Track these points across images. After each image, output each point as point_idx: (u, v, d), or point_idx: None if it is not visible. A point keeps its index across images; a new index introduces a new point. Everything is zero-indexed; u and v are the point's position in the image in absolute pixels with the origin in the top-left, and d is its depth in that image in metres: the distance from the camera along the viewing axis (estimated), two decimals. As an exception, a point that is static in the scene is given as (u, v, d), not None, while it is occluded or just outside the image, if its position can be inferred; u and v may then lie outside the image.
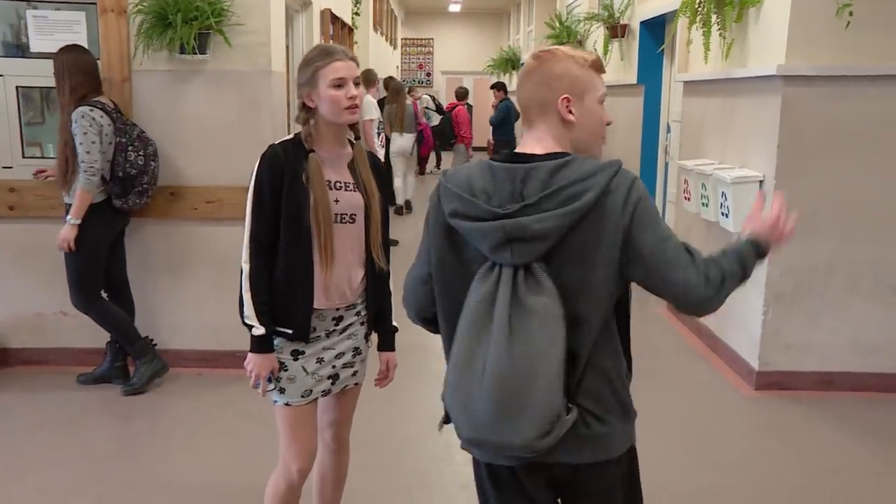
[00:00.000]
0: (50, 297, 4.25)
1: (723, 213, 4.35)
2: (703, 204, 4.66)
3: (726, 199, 4.27)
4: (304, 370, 2.24)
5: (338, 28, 6.58)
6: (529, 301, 1.47)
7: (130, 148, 3.82)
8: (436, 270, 1.64)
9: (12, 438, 3.60)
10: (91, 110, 3.70)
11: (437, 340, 1.73)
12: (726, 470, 3.36)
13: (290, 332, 2.20)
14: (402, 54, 19.94)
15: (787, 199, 1.73)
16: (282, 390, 2.24)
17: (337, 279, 2.21)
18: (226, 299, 4.33)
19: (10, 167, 4.29)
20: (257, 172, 2.16)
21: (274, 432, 2.29)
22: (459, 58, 20.84)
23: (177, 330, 4.36)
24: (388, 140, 8.39)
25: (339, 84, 2.11)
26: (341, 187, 2.20)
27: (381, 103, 7.91)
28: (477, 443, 1.56)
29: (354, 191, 2.22)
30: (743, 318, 4.36)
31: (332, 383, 2.31)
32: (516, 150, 1.62)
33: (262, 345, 2.17)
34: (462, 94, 10.88)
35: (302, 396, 2.26)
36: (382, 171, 2.36)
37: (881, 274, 4.10)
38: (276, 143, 2.21)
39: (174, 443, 3.56)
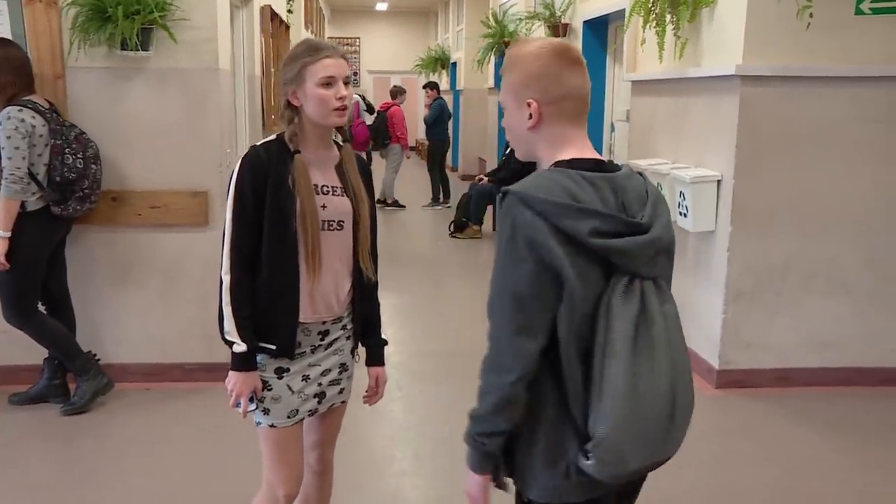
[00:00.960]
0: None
1: (681, 213, 4.36)
2: (658, 203, 4.66)
3: (685, 198, 4.29)
4: (290, 389, 2.09)
5: (276, 25, 6.37)
6: (667, 310, 1.47)
7: (68, 150, 3.54)
8: (567, 306, 1.40)
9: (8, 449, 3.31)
10: (20, 111, 3.40)
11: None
12: (698, 472, 3.34)
13: (273, 347, 2.05)
14: (328, 53, 19.66)
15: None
16: (266, 411, 2.09)
17: (324, 290, 2.08)
18: (173, 310, 4.14)
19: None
20: (238, 175, 2.00)
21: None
22: (386, 57, 20.69)
23: (121, 343, 4.09)
24: None
25: (328, 83, 1.97)
26: (329, 192, 2.06)
27: None
28: (638, 471, 1.47)
29: (342, 196, 2.09)
30: (702, 317, 4.39)
31: (319, 402, 2.17)
32: (577, 157, 1.51)
33: (244, 362, 2.02)
34: (396, 93, 10.72)
35: (288, 417, 2.11)
36: (370, 175, 2.24)
37: (834, 271, 4.19)
38: (258, 143, 2.06)
39: (124, 465, 3.31)
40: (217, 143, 4.01)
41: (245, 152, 2.04)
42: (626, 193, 1.49)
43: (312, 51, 1.98)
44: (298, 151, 2.01)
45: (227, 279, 2.00)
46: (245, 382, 2.02)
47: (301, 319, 2.06)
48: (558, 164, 1.50)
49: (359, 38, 21.03)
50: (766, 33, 3.92)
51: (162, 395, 4.00)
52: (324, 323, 2.12)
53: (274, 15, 6.15)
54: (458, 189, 10.66)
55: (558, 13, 7.08)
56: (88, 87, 3.87)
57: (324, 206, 2.04)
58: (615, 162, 1.58)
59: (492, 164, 10.86)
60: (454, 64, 15.45)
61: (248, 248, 2.00)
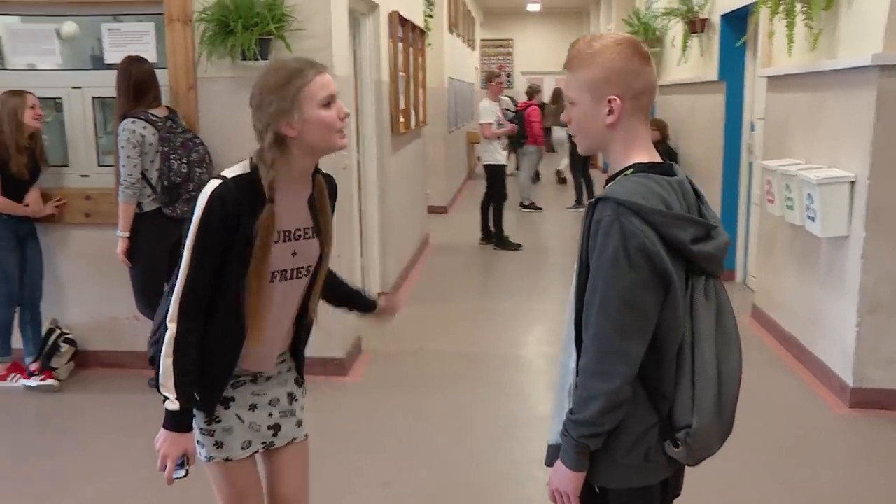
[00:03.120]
0: (124, 302, 4.30)
1: (809, 217, 4.05)
2: (787, 206, 4.36)
3: (813, 201, 3.98)
4: (240, 419, 1.94)
5: (407, 30, 6.52)
6: (728, 302, 1.58)
7: (173, 156, 3.85)
8: (670, 309, 1.48)
9: (82, 440, 3.67)
10: (133, 122, 3.75)
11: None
12: (826, 500, 3.09)
13: (196, 398, 1.84)
14: (481, 55, 19.84)
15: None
16: (218, 444, 1.92)
17: (266, 348, 1.91)
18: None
19: (87, 175, 4.40)
20: (206, 209, 1.75)
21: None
22: (539, 58, 20.58)
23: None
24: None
25: (329, 102, 1.77)
26: (300, 236, 1.86)
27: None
28: (710, 452, 1.57)
29: (312, 237, 1.88)
30: (833, 328, 4.05)
31: (274, 434, 2.00)
32: (654, 161, 1.58)
33: (177, 422, 1.80)
34: (533, 92, 10.62)
35: (242, 448, 1.94)
36: (336, 195, 2.00)
37: None
38: (228, 177, 1.79)
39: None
40: (331, 147, 4.17)
41: (214, 185, 1.77)
42: (688, 196, 1.57)
43: (301, 71, 1.76)
44: (272, 200, 1.77)
45: (172, 328, 1.77)
46: (175, 444, 1.81)
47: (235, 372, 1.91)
48: (639, 166, 1.54)
49: (512, 39, 21.07)
50: (907, 19, 3.56)
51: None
52: None
53: (404, 20, 6.30)
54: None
55: (696, 8, 6.77)
56: (215, 96, 4.16)
57: (294, 254, 1.85)
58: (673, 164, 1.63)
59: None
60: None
61: (204, 294, 1.78)
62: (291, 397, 2.05)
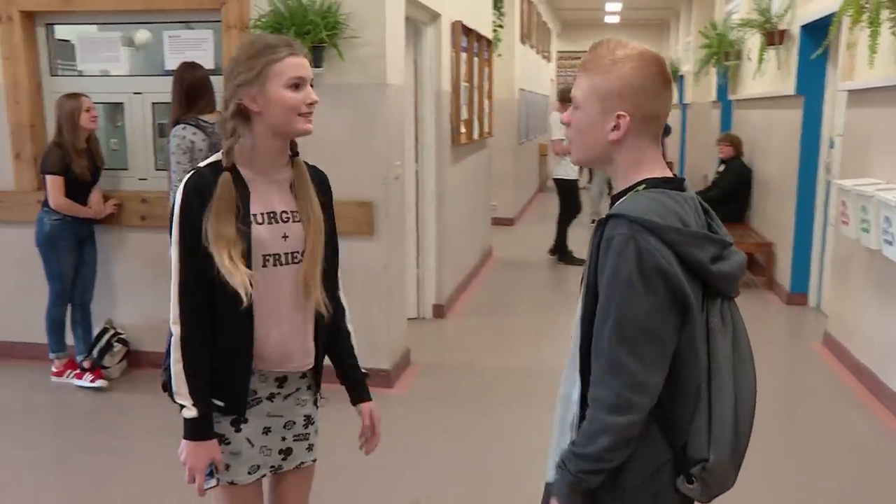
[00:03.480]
0: (176, 305, 4.36)
1: (886, 241, 3.78)
2: (863, 229, 4.09)
3: (891, 224, 3.71)
4: (250, 442, 1.84)
5: (472, 40, 6.45)
6: (742, 323, 1.48)
7: None
8: (688, 334, 1.38)
9: (125, 439, 3.71)
10: (183, 129, 3.76)
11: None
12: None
13: (221, 404, 1.79)
14: (557, 67, 19.66)
15: None
16: (226, 467, 1.84)
17: (281, 339, 1.80)
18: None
19: (145, 179, 4.49)
20: (182, 206, 1.71)
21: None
22: (617, 70, 20.24)
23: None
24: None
25: (297, 84, 1.72)
26: (288, 219, 1.79)
27: None
28: (726, 487, 1.46)
29: (298, 221, 1.81)
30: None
31: (284, 458, 1.91)
32: (666, 176, 1.46)
33: (197, 430, 1.74)
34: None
35: (249, 473, 1.85)
36: (329, 189, 1.93)
37: None
38: (202, 165, 1.78)
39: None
40: (382, 155, 4.14)
41: (187, 177, 1.75)
42: (699, 213, 1.47)
43: (274, 47, 1.71)
44: (230, 169, 1.72)
45: (176, 330, 1.73)
46: (200, 454, 1.75)
47: (256, 367, 1.81)
48: (651, 182, 1.43)
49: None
50: None
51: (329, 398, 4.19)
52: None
53: (468, 30, 6.23)
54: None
55: (774, 18, 6.47)
56: (270, 103, 4.17)
57: (285, 237, 1.78)
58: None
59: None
60: (682, 77, 14.75)
61: (201, 291, 1.71)
62: (308, 420, 1.95)
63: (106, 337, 4.35)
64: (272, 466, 1.91)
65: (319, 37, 3.81)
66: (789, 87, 6.21)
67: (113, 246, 4.49)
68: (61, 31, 4.53)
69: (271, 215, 1.78)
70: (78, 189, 4.17)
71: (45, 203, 4.14)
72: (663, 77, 1.43)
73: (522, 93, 10.64)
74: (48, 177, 4.08)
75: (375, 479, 3.30)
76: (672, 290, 1.33)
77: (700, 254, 1.36)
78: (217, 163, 1.76)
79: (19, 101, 4.41)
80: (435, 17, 5.39)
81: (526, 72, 11.03)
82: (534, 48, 12.28)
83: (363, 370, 2.03)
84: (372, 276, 4.24)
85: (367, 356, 4.14)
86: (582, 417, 1.41)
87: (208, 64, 4.15)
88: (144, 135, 4.44)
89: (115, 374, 4.36)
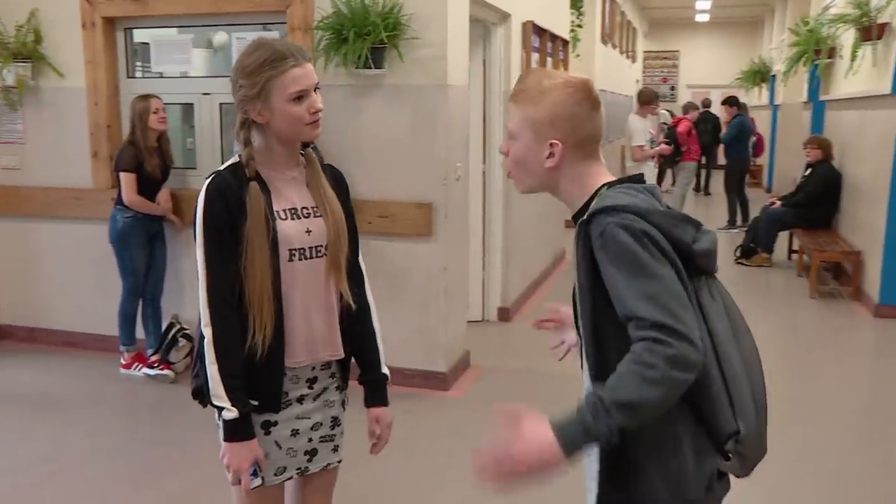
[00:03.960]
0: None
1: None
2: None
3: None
4: (278, 445, 1.86)
5: (545, 40, 6.34)
6: (727, 295, 1.50)
7: None
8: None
9: (183, 432, 3.80)
10: None
11: None
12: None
13: (255, 402, 1.80)
14: (643, 68, 19.22)
15: None
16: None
17: (307, 332, 1.83)
18: (396, 316, 4.30)
19: (214, 178, 4.59)
20: (206, 209, 1.74)
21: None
22: (707, 70, 19.64)
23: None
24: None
25: (300, 97, 1.73)
26: (309, 214, 1.83)
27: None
28: (761, 455, 1.46)
29: (320, 216, 1.84)
30: None
31: (310, 460, 1.93)
32: (619, 178, 1.52)
33: (237, 430, 1.75)
34: (688, 108, 10.16)
35: (275, 475, 1.87)
36: (345, 185, 1.97)
37: None
38: (222, 168, 1.80)
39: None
40: (442, 156, 4.11)
41: (209, 180, 1.77)
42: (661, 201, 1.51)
43: (275, 60, 1.71)
44: (254, 178, 1.76)
45: (208, 333, 1.74)
46: (242, 454, 1.76)
47: (288, 364, 1.83)
48: (611, 183, 1.48)
49: (678, 51, 20.26)
50: None
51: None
52: (312, 369, 1.88)
53: (541, 30, 6.14)
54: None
55: (874, 12, 6.10)
56: (332, 103, 4.16)
57: (308, 231, 1.82)
58: None
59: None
60: (773, 77, 14.17)
61: (229, 292, 1.74)
62: (335, 422, 1.96)
63: (172, 332, 4.48)
64: (298, 468, 1.92)
65: (380, 38, 3.81)
66: (885, 85, 5.85)
67: (181, 243, 4.62)
68: (139, 35, 4.70)
69: (293, 211, 1.81)
70: (148, 187, 4.31)
71: (119, 201, 4.30)
72: (591, 101, 1.47)
73: (603, 94, 10.42)
74: (122, 174, 4.24)
75: (424, 481, 3.28)
76: (672, 262, 1.36)
77: (682, 234, 1.40)
78: (235, 165, 1.79)
79: (98, 102, 4.59)
80: (505, 17, 5.33)
81: (607, 72, 10.82)
82: (616, 48, 12.04)
83: (384, 373, 2.01)
84: (430, 277, 4.21)
85: (423, 358, 4.22)
86: None
87: (274, 65, 4.22)
88: (213, 134, 4.55)
89: (181, 368, 4.48)
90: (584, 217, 1.40)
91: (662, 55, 20.21)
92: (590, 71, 9.53)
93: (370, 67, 3.92)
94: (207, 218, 1.73)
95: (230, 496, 1.92)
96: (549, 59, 6.60)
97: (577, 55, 8.68)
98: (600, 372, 1.38)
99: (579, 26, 8.70)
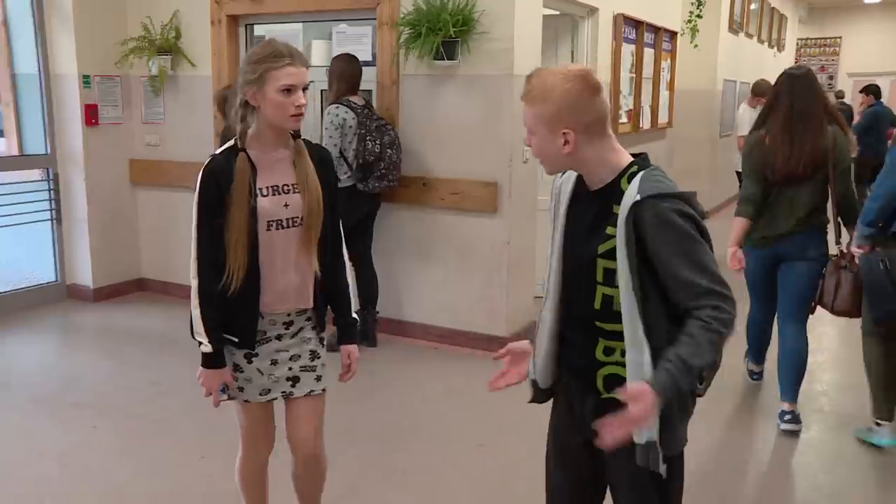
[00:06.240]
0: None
1: None
2: None
3: None
4: (259, 371, 2.29)
5: (642, 31, 6.49)
6: None
7: (368, 137, 4.38)
8: None
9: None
10: (337, 108, 4.37)
11: None
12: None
13: (235, 340, 2.24)
14: (797, 57, 18.29)
15: None
16: (241, 388, 2.30)
17: (283, 286, 2.23)
18: (463, 284, 4.76)
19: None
20: (202, 188, 2.14)
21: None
22: (873, 57, 18.34)
23: (420, 307, 4.88)
24: None
25: (288, 90, 2.07)
26: (289, 190, 2.19)
27: None
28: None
29: (298, 192, 2.20)
30: None
31: (293, 385, 2.31)
32: (638, 154, 1.78)
33: (212, 361, 2.20)
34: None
35: (260, 395, 2.31)
36: (330, 164, 2.33)
37: None
38: (218, 153, 2.20)
39: (387, 397, 4.04)
40: (508, 141, 4.49)
41: (206, 162, 2.16)
42: None
43: (276, 56, 2.07)
44: (244, 150, 2.14)
45: (195, 283, 2.18)
46: (214, 378, 2.22)
47: (263, 310, 2.23)
48: (636, 162, 1.74)
49: (839, 37, 19.08)
50: None
51: (444, 355, 4.69)
52: (288, 315, 2.28)
53: (636, 22, 6.31)
54: None
55: None
56: (414, 91, 4.69)
57: (286, 205, 2.18)
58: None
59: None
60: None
61: (212, 255, 2.15)
62: (314, 355, 2.35)
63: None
64: (283, 392, 2.32)
65: (449, 33, 4.24)
66: None
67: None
68: (258, 30, 5.39)
69: (274, 188, 2.19)
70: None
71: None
72: (590, 89, 1.68)
73: (728, 84, 10.26)
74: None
75: (450, 425, 3.73)
76: (707, 239, 1.68)
77: (700, 209, 1.68)
78: (230, 149, 2.19)
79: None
80: (592, 10, 5.58)
81: (735, 62, 10.60)
82: (752, 36, 11.70)
83: (353, 317, 2.45)
84: (495, 250, 4.61)
85: (484, 322, 4.66)
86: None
87: (366, 56, 4.77)
88: (315, 119, 5.15)
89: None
90: (638, 199, 1.63)
91: (822, 42, 19.14)
92: (712, 61, 9.44)
93: (443, 59, 4.37)
94: (201, 195, 2.15)
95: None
96: (649, 51, 6.74)
97: (696, 45, 8.63)
98: (638, 334, 1.67)
99: (699, 16, 8.63)
